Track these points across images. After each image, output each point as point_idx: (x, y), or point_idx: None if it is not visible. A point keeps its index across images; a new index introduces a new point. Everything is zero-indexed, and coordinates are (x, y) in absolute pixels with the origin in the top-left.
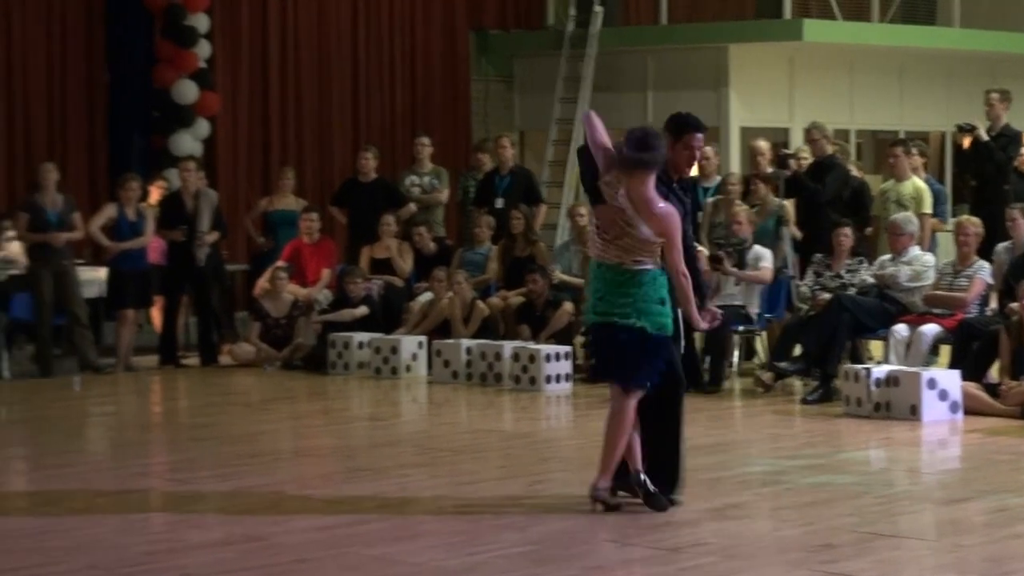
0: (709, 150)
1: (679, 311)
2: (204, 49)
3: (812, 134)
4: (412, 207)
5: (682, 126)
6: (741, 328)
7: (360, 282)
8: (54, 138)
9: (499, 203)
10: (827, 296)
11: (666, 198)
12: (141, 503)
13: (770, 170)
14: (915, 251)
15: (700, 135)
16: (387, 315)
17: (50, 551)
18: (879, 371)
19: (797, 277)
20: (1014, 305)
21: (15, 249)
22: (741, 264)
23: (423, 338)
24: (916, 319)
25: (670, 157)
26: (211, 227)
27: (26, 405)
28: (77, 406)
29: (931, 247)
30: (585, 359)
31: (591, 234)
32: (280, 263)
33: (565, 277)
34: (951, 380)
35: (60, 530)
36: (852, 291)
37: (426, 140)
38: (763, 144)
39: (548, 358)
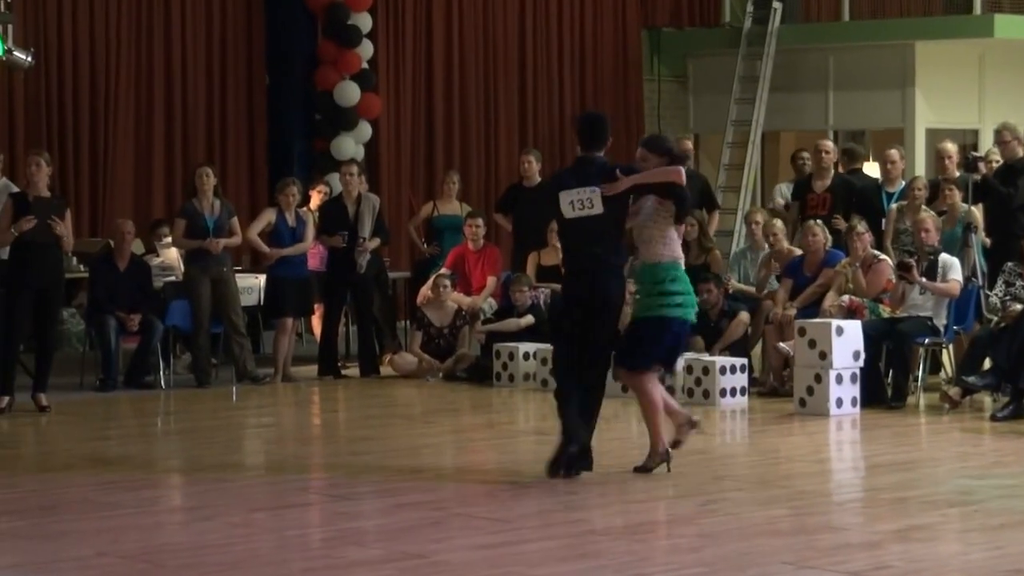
0: (894, 153)
1: None
2: (367, 49)
3: (1003, 135)
4: None
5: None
6: (927, 340)
7: (526, 290)
8: (213, 142)
9: None
10: (1019, 307)
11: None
12: (300, 518)
13: (958, 174)
14: None
15: None
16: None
17: (206, 567)
18: None
19: (986, 287)
20: None
21: (172, 256)
22: (931, 274)
23: None
24: None
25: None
26: (373, 233)
27: (183, 416)
28: (234, 417)
29: None
30: (762, 372)
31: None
32: (443, 270)
33: (741, 286)
34: None
35: (217, 545)
36: None
37: None
38: (950, 146)
39: (723, 371)
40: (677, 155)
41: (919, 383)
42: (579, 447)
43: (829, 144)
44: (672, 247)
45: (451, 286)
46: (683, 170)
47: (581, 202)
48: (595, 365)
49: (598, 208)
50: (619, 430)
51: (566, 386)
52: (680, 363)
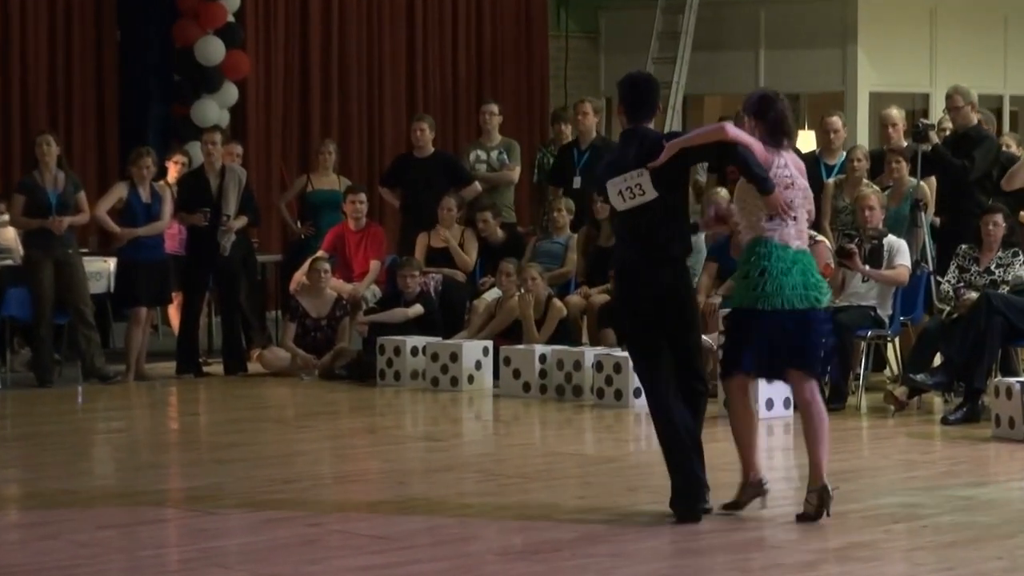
0: (836, 120)
1: None
2: (233, 0)
3: (955, 100)
4: (478, 187)
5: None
6: (869, 333)
7: (416, 276)
8: (56, 106)
9: (577, 182)
10: (974, 295)
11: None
12: (155, 537)
13: (905, 144)
14: None
15: None
16: (446, 315)
17: None
18: None
19: (937, 272)
20: None
21: (9, 236)
22: (876, 259)
23: (489, 343)
24: None
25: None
26: (239, 211)
27: (21, 419)
28: (81, 421)
29: None
30: None
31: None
32: (320, 253)
33: None
34: None
35: (60, 567)
36: (1004, 289)
37: (495, 108)
38: (896, 112)
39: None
40: (774, 119)
41: (860, 382)
42: (695, 481)
43: None
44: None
45: (330, 271)
46: (729, 125)
47: (631, 190)
48: (691, 373)
49: (650, 194)
50: (520, 435)
51: (664, 407)
52: (590, 358)
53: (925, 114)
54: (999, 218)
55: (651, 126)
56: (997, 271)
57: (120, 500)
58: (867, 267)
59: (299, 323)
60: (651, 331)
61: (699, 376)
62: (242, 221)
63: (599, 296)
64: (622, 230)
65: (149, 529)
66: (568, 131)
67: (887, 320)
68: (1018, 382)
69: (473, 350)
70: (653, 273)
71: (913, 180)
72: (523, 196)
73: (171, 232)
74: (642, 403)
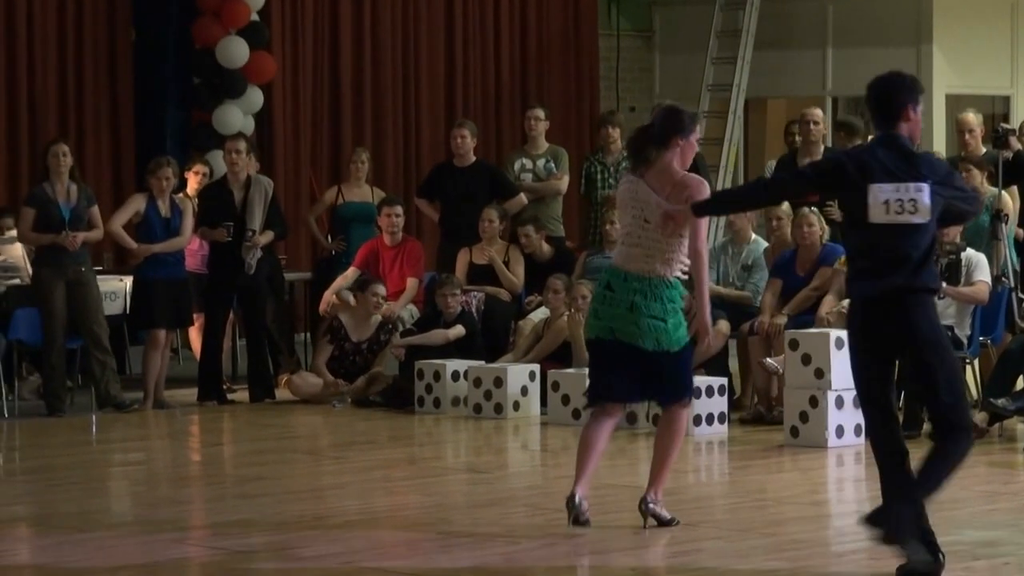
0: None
1: None
2: None
3: None
4: (523, 199)
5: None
6: None
7: (456, 295)
8: (67, 112)
9: None
10: None
11: None
12: None
13: (984, 150)
14: None
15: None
16: (489, 337)
17: None
18: None
19: (1019, 289)
20: None
21: (16, 253)
22: (954, 275)
23: (535, 367)
24: None
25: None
26: (265, 225)
27: (30, 451)
28: (94, 453)
29: None
30: (744, 394)
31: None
32: (353, 270)
33: (720, 289)
34: None
35: None
36: None
37: (541, 113)
38: (972, 117)
39: (697, 393)
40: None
41: None
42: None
43: (818, 113)
44: None
45: (385, 297)
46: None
47: (901, 203)
48: (944, 426)
49: (922, 215)
50: (570, 466)
51: (885, 459)
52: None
53: (1006, 118)
54: None
55: (904, 131)
56: None
57: (138, 538)
58: (944, 284)
59: (338, 346)
60: (880, 369)
61: (944, 414)
62: (268, 236)
63: None
64: (867, 247)
65: (169, 569)
66: (617, 135)
67: (965, 341)
68: None
69: (518, 375)
70: (900, 308)
71: (993, 189)
72: (572, 208)
73: (192, 248)
74: (701, 431)
